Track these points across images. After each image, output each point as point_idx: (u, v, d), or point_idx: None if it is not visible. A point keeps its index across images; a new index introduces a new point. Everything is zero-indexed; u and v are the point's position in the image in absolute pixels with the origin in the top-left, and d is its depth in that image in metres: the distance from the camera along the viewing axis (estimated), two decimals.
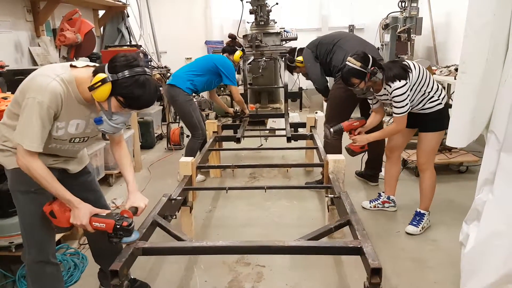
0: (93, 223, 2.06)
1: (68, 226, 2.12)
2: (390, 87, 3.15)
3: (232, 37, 4.97)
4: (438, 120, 3.30)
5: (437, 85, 3.28)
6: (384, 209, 3.89)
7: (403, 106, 3.16)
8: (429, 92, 3.22)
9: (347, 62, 3.23)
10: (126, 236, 2.08)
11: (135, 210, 2.20)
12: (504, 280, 2.05)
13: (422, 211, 3.50)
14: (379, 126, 3.80)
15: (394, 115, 3.25)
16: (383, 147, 4.06)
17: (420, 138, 3.40)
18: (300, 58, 4.61)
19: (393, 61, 3.30)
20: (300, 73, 4.97)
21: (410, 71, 3.15)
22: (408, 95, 3.14)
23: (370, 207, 3.93)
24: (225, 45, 4.98)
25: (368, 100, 3.59)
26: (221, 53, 4.97)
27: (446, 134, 2.37)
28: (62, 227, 2.13)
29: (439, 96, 3.24)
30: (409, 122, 3.32)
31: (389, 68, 3.17)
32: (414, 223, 3.47)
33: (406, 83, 3.11)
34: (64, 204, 2.07)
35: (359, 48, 4.11)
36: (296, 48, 4.76)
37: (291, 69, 4.91)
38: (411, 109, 3.26)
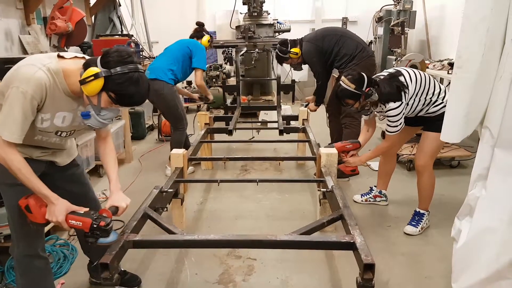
0: (70, 221, 1.98)
1: (44, 222, 2.04)
2: (385, 106, 3.09)
3: (200, 24, 4.93)
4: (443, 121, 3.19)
5: (440, 87, 3.16)
6: (376, 203, 3.89)
7: (396, 126, 3.11)
8: (430, 98, 3.12)
9: (341, 82, 3.14)
10: (103, 236, 1.99)
11: (115, 210, 2.12)
12: (495, 276, 2.05)
13: (421, 211, 3.41)
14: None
15: (386, 132, 3.20)
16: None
17: (422, 137, 3.28)
18: (295, 49, 4.60)
19: (391, 76, 3.13)
20: (290, 65, 4.97)
21: (406, 91, 3.03)
22: (403, 114, 3.08)
23: (362, 201, 3.93)
24: (195, 29, 4.94)
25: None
26: None
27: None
28: (37, 223, 2.05)
29: (442, 99, 3.12)
30: (413, 121, 3.29)
31: (384, 87, 3.05)
32: (413, 223, 3.39)
33: (401, 103, 3.04)
34: (41, 199, 2.00)
35: (360, 41, 4.40)
36: (287, 39, 4.75)
37: (281, 60, 4.88)
38: (415, 114, 3.21)
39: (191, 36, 4.89)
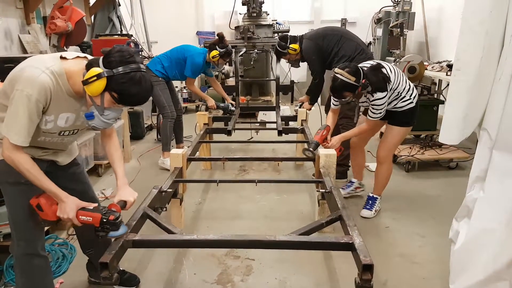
0: (80, 217, 2.04)
1: (55, 220, 2.09)
2: (372, 96, 3.23)
3: (220, 35, 4.91)
4: (408, 117, 3.45)
5: (409, 85, 3.39)
6: (357, 194, 4.10)
7: (380, 112, 3.29)
8: (400, 93, 3.33)
9: (339, 76, 3.16)
10: (113, 230, 2.06)
11: (123, 204, 2.17)
12: (493, 278, 2.07)
13: (375, 196, 3.73)
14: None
15: (369, 117, 3.36)
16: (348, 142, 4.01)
17: (386, 130, 3.55)
18: (294, 46, 4.58)
19: (374, 68, 3.24)
20: (288, 61, 4.96)
21: (389, 82, 3.21)
22: (386, 102, 3.26)
23: (344, 194, 3.99)
24: (213, 39, 4.99)
25: (333, 100, 3.60)
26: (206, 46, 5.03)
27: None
28: (49, 220, 2.10)
29: (410, 96, 3.36)
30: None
31: (372, 78, 3.18)
32: (367, 207, 3.70)
33: (387, 92, 3.21)
34: (51, 197, 2.04)
35: (360, 43, 4.44)
36: (287, 35, 4.71)
37: (280, 55, 4.83)
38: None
39: (209, 46, 4.94)
